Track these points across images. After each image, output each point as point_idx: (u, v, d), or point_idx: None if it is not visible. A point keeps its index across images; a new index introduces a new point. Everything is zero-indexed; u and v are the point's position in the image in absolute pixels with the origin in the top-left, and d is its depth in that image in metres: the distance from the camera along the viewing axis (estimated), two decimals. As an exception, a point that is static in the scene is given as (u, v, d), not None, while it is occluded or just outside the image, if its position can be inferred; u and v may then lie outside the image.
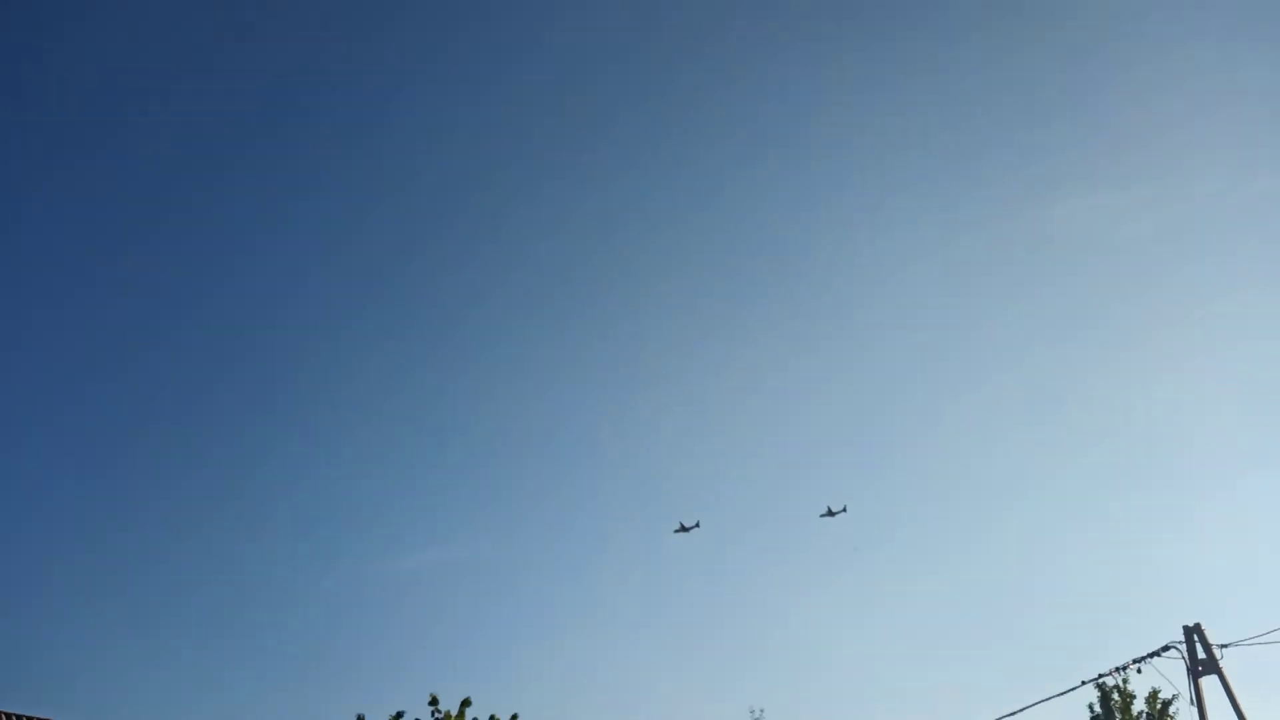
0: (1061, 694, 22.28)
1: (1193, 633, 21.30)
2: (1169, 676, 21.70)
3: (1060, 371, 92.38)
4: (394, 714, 20.26)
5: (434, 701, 21.26)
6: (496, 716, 22.63)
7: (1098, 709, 26.08)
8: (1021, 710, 21.79)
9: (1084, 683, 23.44)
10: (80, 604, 74.74)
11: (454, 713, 21.22)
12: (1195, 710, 21.50)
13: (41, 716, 21.47)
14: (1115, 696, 25.90)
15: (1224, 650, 21.04)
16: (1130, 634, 76.56)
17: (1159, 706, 25.45)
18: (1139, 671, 21.93)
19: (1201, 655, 21.17)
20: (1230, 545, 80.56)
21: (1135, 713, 25.68)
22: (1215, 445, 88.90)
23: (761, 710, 25.57)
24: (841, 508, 46.99)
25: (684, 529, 46.94)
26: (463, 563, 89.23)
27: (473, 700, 21.60)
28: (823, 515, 47.06)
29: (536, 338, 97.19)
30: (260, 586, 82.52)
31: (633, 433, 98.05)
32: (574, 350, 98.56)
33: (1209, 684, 21.30)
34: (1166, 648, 21.59)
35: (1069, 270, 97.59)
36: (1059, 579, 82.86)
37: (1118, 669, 22.43)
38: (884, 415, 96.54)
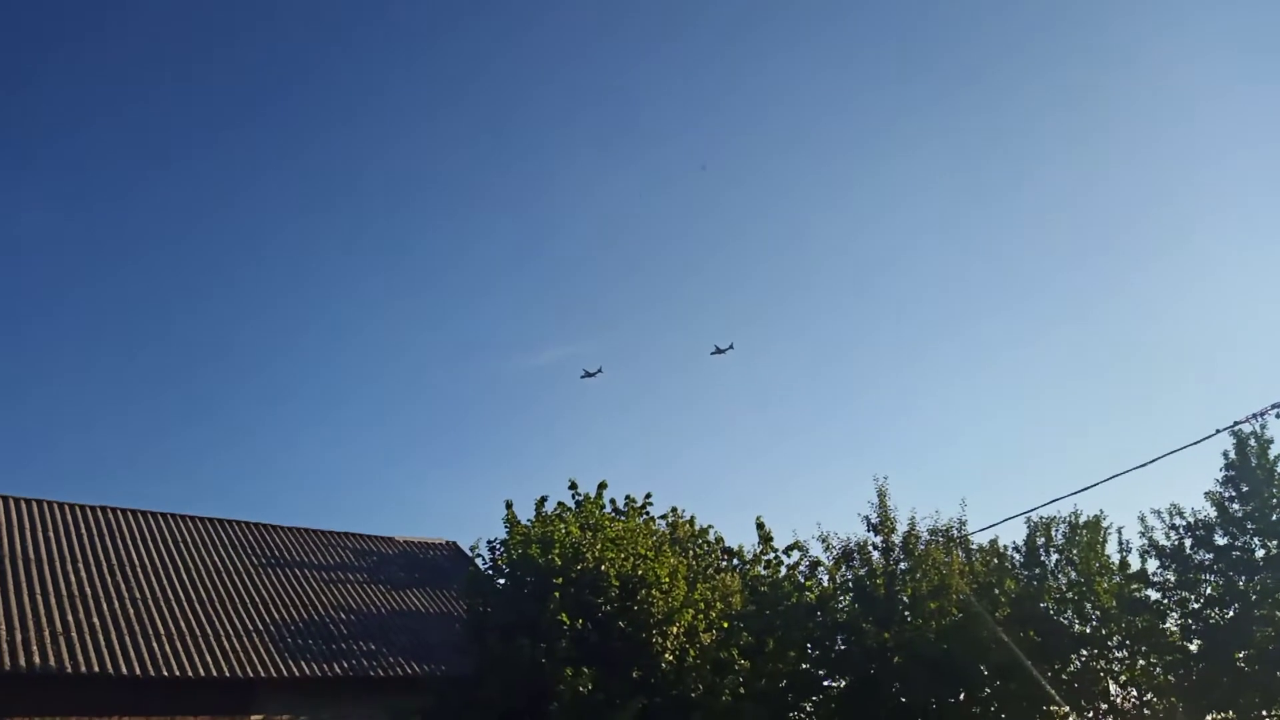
0: (1197, 442, 21.97)
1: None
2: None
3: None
4: (539, 498, 21.50)
5: (573, 485, 22.47)
6: (631, 497, 23.79)
7: (1233, 455, 25.72)
8: (1158, 459, 21.61)
9: (1218, 431, 23.06)
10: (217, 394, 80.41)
11: (592, 495, 22.39)
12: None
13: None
14: (1252, 443, 25.49)
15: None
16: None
17: (1299, 450, 24.92)
18: (1278, 416, 21.44)
19: (1346, 395, 20.54)
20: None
21: (1272, 457, 25.26)
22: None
23: (886, 478, 26.35)
24: (728, 345, 49.64)
25: (588, 375, 48.63)
26: (582, 359, 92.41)
27: (608, 484, 22.80)
28: (713, 354, 49.35)
29: (615, 151, 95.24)
30: (402, 383, 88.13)
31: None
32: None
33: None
34: (1308, 390, 21.00)
35: None
36: (1192, 330, 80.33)
37: (1254, 415, 21.93)
38: (1000, 148, 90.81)
